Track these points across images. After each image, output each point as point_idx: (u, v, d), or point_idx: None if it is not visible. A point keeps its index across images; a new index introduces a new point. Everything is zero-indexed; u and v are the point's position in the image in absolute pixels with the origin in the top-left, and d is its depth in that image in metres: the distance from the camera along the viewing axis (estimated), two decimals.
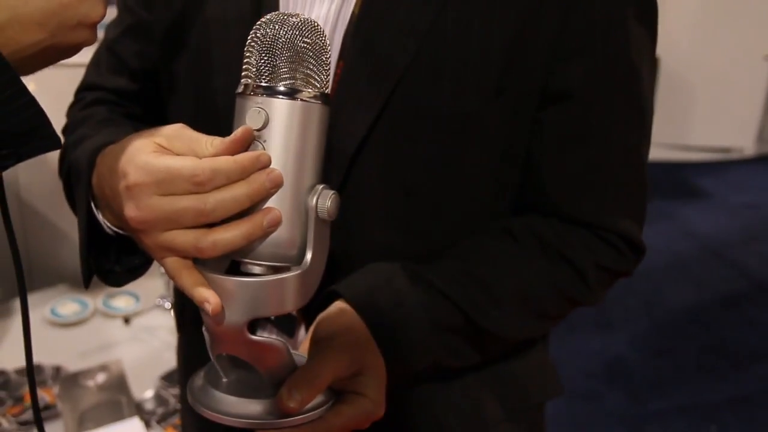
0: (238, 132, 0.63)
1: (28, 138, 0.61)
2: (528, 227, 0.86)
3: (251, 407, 0.67)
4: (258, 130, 0.63)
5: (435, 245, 0.85)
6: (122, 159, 0.67)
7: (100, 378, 1.84)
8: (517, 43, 0.77)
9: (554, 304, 0.87)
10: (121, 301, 2.20)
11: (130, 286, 2.23)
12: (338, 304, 0.78)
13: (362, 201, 0.82)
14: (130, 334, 2.10)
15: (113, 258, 0.84)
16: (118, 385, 1.82)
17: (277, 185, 0.63)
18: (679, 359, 2.87)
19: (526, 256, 0.85)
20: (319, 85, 0.65)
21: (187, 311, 1.04)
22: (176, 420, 1.81)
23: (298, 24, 0.64)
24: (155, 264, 2.32)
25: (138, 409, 1.75)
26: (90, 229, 0.80)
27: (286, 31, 0.63)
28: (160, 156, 0.64)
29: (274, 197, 0.64)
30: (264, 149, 0.63)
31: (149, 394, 1.83)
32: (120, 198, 0.67)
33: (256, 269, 0.65)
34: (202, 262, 0.67)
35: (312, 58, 0.64)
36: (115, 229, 0.78)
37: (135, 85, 0.99)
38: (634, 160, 0.87)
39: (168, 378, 1.93)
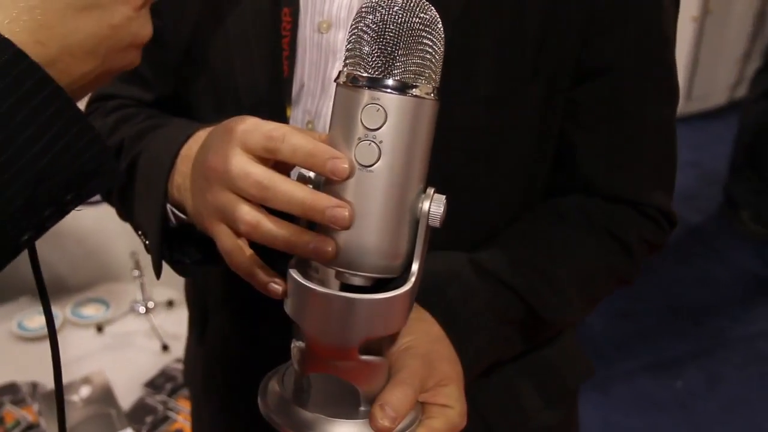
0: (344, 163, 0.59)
1: (91, 177, 0.57)
2: (574, 206, 0.86)
3: (342, 427, 0.63)
4: (372, 129, 0.58)
5: (471, 235, 0.84)
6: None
7: (84, 391, 1.80)
8: (550, 22, 0.77)
9: (605, 284, 0.88)
10: (91, 309, 2.14)
11: (99, 293, 2.21)
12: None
13: None
14: (104, 343, 2.04)
15: (178, 248, 0.83)
16: (105, 397, 1.78)
17: (340, 225, 0.59)
18: (641, 320, 2.94)
19: (577, 238, 0.85)
20: (438, 76, 0.60)
21: (212, 323, 1.02)
22: (166, 427, 1.78)
23: (412, 7, 0.57)
24: (124, 268, 2.26)
25: (130, 420, 1.71)
26: (164, 218, 0.79)
27: (402, 16, 0.57)
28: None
29: (380, 206, 0.59)
30: (379, 150, 0.58)
31: (135, 403, 1.80)
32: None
33: (356, 280, 0.61)
34: (316, 277, 0.63)
35: (430, 47, 0.58)
36: (182, 216, 0.78)
37: (149, 94, 0.95)
38: (667, 131, 0.88)
39: (152, 385, 1.89)
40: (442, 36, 0.60)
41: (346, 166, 0.58)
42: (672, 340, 2.80)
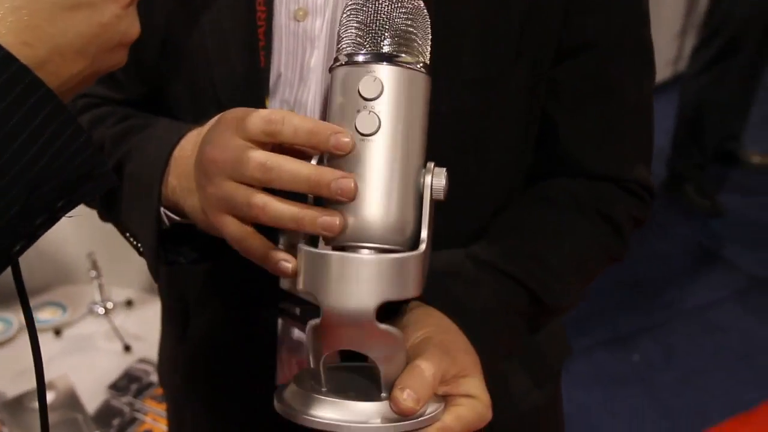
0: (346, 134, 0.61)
1: (83, 181, 0.56)
2: (562, 189, 0.87)
3: (364, 409, 0.62)
4: (370, 99, 0.60)
5: (460, 221, 0.84)
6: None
7: (49, 397, 1.76)
8: (534, 5, 0.77)
9: (599, 265, 0.89)
10: (47, 312, 2.09)
11: (56, 296, 2.15)
12: (417, 303, 0.76)
13: None
14: (64, 347, 2.00)
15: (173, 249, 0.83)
16: (70, 402, 1.75)
17: (346, 196, 0.61)
18: (595, 297, 2.98)
19: (569, 221, 0.86)
20: (426, 54, 0.63)
21: (195, 322, 0.99)
22: (134, 429, 1.75)
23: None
24: (81, 270, 2.22)
25: (97, 424, 1.68)
26: (159, 221, 0.78)
27: (388, 9, 0.62)
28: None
29: (384, 175, 0.61)
30: (378, 119, 0.60)
31: (100, 406, 1.77)
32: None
33: (365, 252, 0.61)
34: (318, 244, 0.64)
35: (420, 26, 0.63)
36: (175, 218, 0.77)
37: (118, 93, 0.93)
38: (646, 105, 0.88)
39: (116, 387, 1.86)
40: (428, 21, 0.65)
41: (348, 139, 0.60)
42: (627, 315, 2.85)
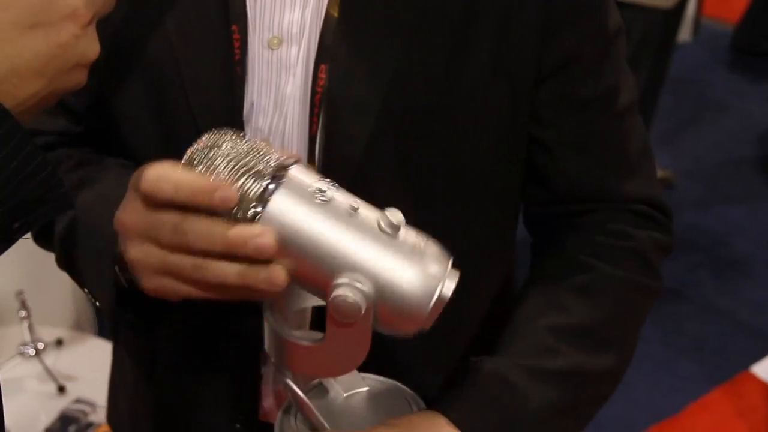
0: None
1: (40, 203, 0.56)
2: (587, 254, 0.86)
3: None
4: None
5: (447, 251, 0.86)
6: None
7: None
8: (503, 26, 0.78)
9: (641, 318, 0.89)
10: None
11: None
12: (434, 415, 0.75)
13: None
14: None
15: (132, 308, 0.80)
16: None
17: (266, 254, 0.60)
18: None
19: (609, 304, 0.85)
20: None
21: (164, 356, 0.97)
22: None
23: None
24: (9, 309, 2.13)
25: None
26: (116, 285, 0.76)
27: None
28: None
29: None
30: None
31: None
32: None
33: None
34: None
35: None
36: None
37: (77, 126, 0.90)
38: (631, 120, 0.88)
39: (52, 430, 1.80)
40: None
41: (230, 194, 0.60)
42: None
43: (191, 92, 0.80)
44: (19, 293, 1.91)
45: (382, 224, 0.61)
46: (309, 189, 0.61)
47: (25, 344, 2.00)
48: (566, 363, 0.80)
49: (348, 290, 0.58)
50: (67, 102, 0.88)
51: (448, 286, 0.62)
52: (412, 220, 0.80)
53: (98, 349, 2.08)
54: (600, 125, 0.86)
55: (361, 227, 0.61)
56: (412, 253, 0.61)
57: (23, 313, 1.94)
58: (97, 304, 0.83)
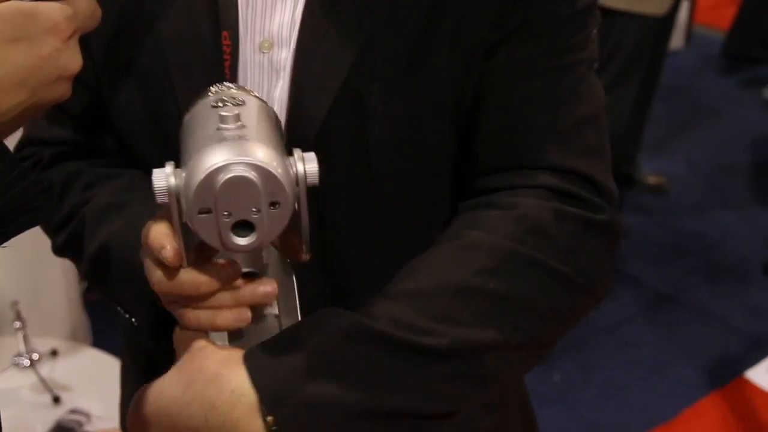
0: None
1: (17, 214, 0.57)
2: (489, 235, 0.78)
3: None
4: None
5: (402, 231, 0.86)
6: None
7: None
8: (466, 7, 0.77)
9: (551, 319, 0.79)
10: None
11: None
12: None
13: (332, 188, 0.79)
14: None
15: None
16: None
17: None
18: None
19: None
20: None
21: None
22: None
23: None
24: (4, 321, 2.13)
25: None
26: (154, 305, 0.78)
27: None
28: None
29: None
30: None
31: None
32: None
33: None
34: None
35: None
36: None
37: (82, 136, 0.91)
38: (584, 88, 0.82)
39: None
40: None
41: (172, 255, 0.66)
42: None
43: (182, 99, 0.80)
44: (14, 304, 1.91)
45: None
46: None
47: (19, 355, 2.00)
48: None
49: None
50: (72, 112, 0.89)
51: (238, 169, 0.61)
52: (373, 197, 0.83)
53: (93, 360, 2.09)
54: (541, 89, 0.79)
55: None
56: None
57: (18, 324, 1.94)
58: (135, 322, 0.86)
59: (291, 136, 0.77)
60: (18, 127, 0.59)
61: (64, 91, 0.61)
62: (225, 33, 0.79)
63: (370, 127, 0.80)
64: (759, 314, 3.05)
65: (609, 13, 2.93)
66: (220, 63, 0.80)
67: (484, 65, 0.80)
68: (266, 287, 0.70)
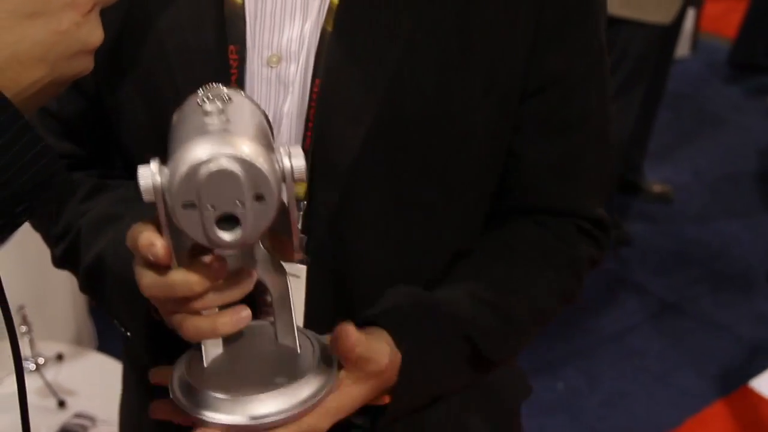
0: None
1: (42, 188, 0.57)
2: (528, 236, 0.89)
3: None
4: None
5: (431, 261, 0.87)
6: None
7: None
8: (497, 44, 0.79)
9: (555, 310, 0.91)
10: None
11: None
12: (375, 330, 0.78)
13: (359, 218, 0.81)
14: None
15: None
16: None
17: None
18: None
19: (534, 274, 0.88)
20: None
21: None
22: None
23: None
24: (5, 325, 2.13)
25: None
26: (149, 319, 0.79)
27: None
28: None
29: None
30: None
31: None
32: None
33: None
34: None
35: None
36: None
37: (83, 149, 0.91)
38: (606, 142, 0.91)
39: None
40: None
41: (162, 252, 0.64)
42: (549, 344, 2.92)
43: None
44: (20, 308, 1.91)
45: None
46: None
47: (25, 359, 2.00)
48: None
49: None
50: (70, 122, 0.89)
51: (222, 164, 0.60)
52: (401, 227, 0.84)
53: (98, 364, 2.08)
54: (580, 145, 0.88)
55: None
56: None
57: (24, 328, 1.94)
58: (128, 334, 0.86)
59: (323, 167, 0.79)
60: (40, 104, 0.59)
61: (85, 65, 0.60)
62: (232, 47, 0.80)
63: (402, 155, 0.81)
64: (764, 323, 3.04)
65: (615, 21, 2.93)
66: (227, 76, 0.80)
67: (520, 111, 0.83)
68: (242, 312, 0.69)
